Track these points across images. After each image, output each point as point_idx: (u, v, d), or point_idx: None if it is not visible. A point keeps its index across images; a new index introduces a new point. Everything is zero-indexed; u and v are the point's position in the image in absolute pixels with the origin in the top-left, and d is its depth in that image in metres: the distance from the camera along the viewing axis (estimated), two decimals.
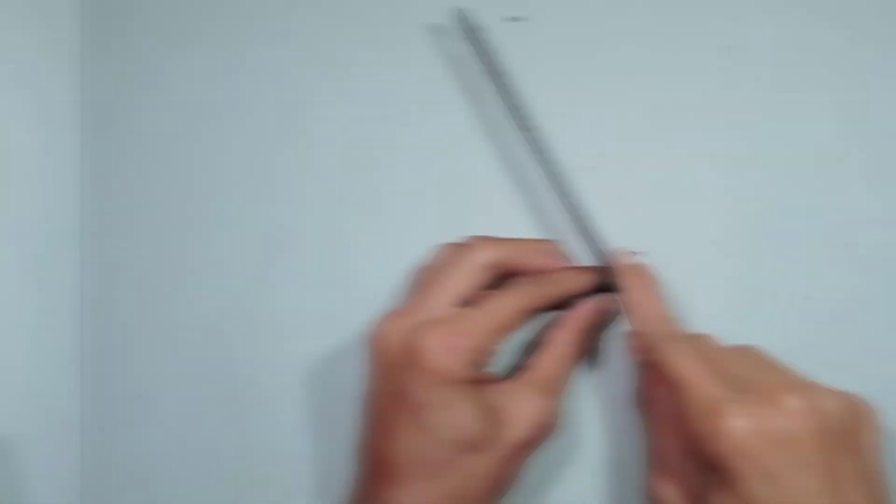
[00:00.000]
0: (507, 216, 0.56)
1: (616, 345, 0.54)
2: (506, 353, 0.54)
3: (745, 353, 0.48)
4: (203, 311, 0.57)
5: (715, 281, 0.55)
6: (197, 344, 0.57)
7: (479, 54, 0.51)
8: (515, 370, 0.52)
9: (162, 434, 0.56)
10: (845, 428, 0.43)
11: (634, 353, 0.50)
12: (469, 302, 0.48)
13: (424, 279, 0.49)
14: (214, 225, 0.58)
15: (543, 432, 0.47)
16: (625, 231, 0.55)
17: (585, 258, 0.55)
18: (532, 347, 0.51)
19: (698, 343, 0.47)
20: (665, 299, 0.49)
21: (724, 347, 0.48)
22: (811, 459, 0.41)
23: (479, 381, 0.47)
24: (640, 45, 0.58)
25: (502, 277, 0.50)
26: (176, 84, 0.60)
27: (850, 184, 0.55)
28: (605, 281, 0.52)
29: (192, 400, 0.56)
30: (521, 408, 0.47)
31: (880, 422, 0.45)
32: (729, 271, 0.55)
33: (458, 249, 0.50)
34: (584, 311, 0.51)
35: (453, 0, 0.56)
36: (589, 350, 0.51)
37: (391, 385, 0.46)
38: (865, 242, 0.55)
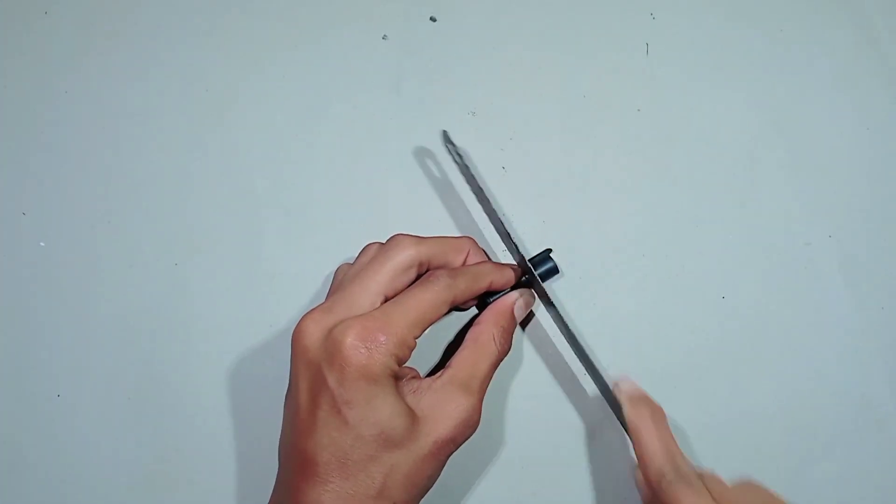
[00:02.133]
0: (424, 215, 0.57)
1: (534, 344, 0.55)
2: (429, 353, 0.55)
3: (748, 490, 0.48)
4: (120, 312, 0.56)
5: (632, 281, 0.56)
6: (114, 344, 0.56)
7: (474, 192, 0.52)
8: (437, 369, 0.52)
9: (79, 435, 0.55)
10: None
11: (641, 489, 0.51)
12: (391, 299, 0.48)
13: (347, 278, 0.49)
14: (131, 225, 0.57)
15: (465, 430, 0.47)
16: (540, 232, 0.56)
17: (504, 256, 0.56)
18: (454, 348, 0.51)
19: (706, 483, 0.47)
20: (670, 433, 0.49)
21: (729, 487, 0.48)
22: None
23: (400, 376, 0.47)
24: (552, 44, 0.59)
25: (424, 273, 0.50)
26: (91, 82, 0.59)
27: (767, 183, 0.57)
28: (521, 277, 0.53)
29: (110, 400, 0.55)
30: (443, 405, 0.46)
31: None
32: (646, 271, 0.56)
33: (380, 248, 0.50)
34: (503, 306, 0.51)
35: (372, 4, 0.56)
36: (511, 346, 0.51)
37: (312, 382, 0.45)
38: (783, 242, 0.56)
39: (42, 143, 0.58)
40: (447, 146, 0.53)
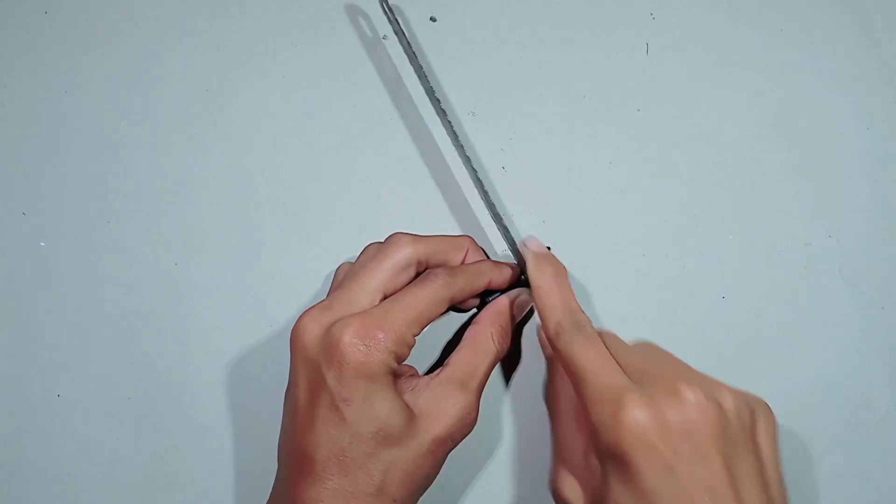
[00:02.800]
0: (424, 214, 0.57)
1: (532, 343, 0.55)
2: (428, 352, 0.55)
3: (645, 348, 0.50)
4: (120, 312, 0.56)
5: (632, 280, 0.56)
6: (114, 344, 0.56)
7: (407, 55, 0.52)
8: (436, 367, 0.52)
9: (79, 435, 0.55)
10: (743, 424, 0.44)
11: (542, 344, 0.51)
12: (389, 297, 0.48)
13: (346, 277, 0.49)
14: (131, 225, 0.57)
15: (463, 427, 0.47)
16: (540, 232, 0.56)
17: (504, 254, 0.56)
18: (453, 346, 0.51)
19: (600, 335, 0.47)
20: (570, 289, 0.50)
21: (624, 342, 0.49)
22: (709, 453, 0.42)
23: (398, 374, 0.47)
24: (552, 44, 0.59)
25: (423, 271, 0.50)
26: (91, 82, 0.59)
27: (767, 183, 0.57)
28: (521, 275, 0.53)
29: (110, 400, 0.55)
30: (440, 403, 0.47)
31: (776, 421, 0.47)
32: (646, 270, 0.56)
33: (379, 247, 0.50)
34: (501, 305, 0.51)
35: (373, 4, 0.56)
36: (509, 344, 0.51)
37: (311, 380, 0.45)
38: (783, 242, 0.56)
39: (42, 143, 0.58)
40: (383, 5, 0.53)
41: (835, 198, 0.57)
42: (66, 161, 0.58)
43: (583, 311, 0.48)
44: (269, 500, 0.48)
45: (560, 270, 0.50)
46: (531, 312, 0.55)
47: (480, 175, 0.53)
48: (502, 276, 0.52)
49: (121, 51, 0.60)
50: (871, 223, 0.57)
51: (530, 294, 0.53)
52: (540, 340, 0.52)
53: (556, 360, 0.49)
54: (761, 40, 0.59)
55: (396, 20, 0.51)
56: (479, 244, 0.53)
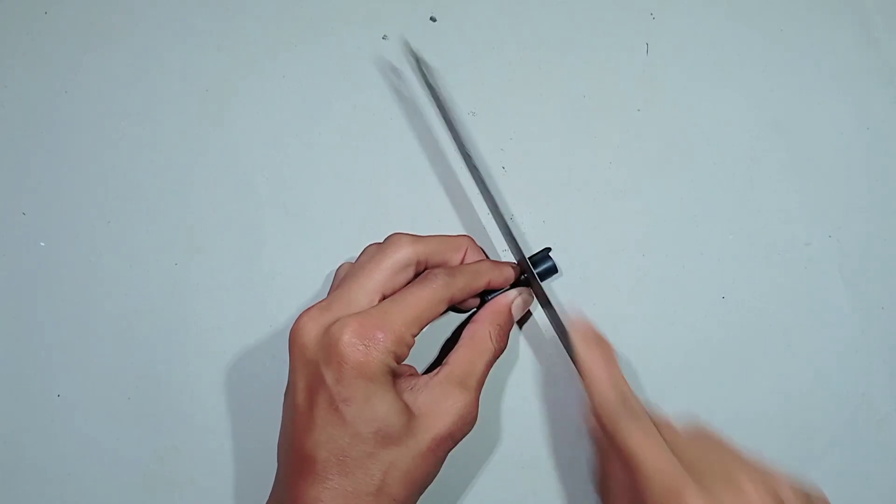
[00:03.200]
0: (423, 214, 0.57)
1: (531, 343, 0.55)
2: (427, 351, 0.55)
3: (701, 436, 0.48)
4: (120, 312, 0.56)
5: (632, 280, 0.56)
6: (114, 344, 0.56)
7: (440, 109, 0.52)
8: (435, 366, 0.52)
9: (79, 435, 0.55)
10: None
11: (591, 427, 0.50)
12: (389, 297, 0.48)
13: (346, 277, 0.49)
14: (131, 225, 0.57)
15: (462, 426, 0.47)
16: (540, 232, 0.56)
17: (504, 255, 0.56)
18: (452, 345, 0.51)
19: (656, 423, 0.46)
20: (620, 371, 0.49)
21: (680, 429, 0.48)
22: None
23: (398, 374, 0.47)
24: (552, 44, 0.59)
25: (422, 271, 0.50)
26: (91, 82, 0.59)
27: (767, 183, 0.57)
28: (521, 275, 0.53)
29: (110, 400, 0.55)
30: (440, 402, 0.46)
31: None
32: (646, 271, 0.56)
33: (378, 248, 0.50)
34: (500, 304, 0.51)
35: (372, 4, 0.56)
36: (507, 343, 0.51)
37: (310, 380, 0.45)
38: (784, 242, 0.56)
39: (42, 143, 0.59)
40: (411, 60, 0.53)
41: (835, 198, 0.57)
42: (66, 161, 0.58)
43: (635, 396, 0.48)
44: (268, 500, 0.48)
45: (609, 352, 0.49)
46: (530, 313, 0.55)
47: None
48: (502, 276, 0.52)
49: (121, 51, 0.60)
50: (871, 223, 0.57)
51: (530, 294, 0.53)
52: (588, 423, 0.52)
53: (607, 445, 0.47)
54: (761, 40, 0.59)
55: (429, 80, 0.52)
56: (479, 244, 0.53)
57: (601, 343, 0.49)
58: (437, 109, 0.53)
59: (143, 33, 0.60)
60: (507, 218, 0.54)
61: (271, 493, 0.48)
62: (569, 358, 0.51)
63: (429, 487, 0.47)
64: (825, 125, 0.58)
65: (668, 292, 0.56)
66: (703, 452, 0.46)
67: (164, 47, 0.60)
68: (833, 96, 0.58)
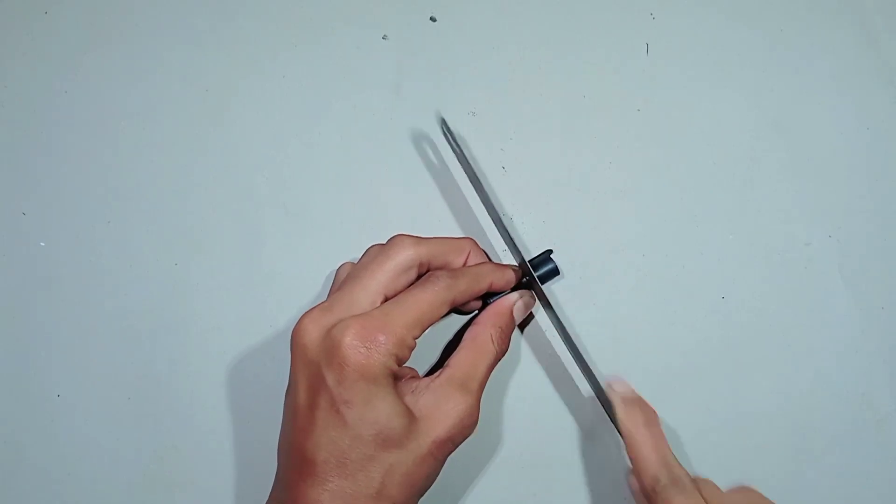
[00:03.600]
0: (425, 215, 0.57)
1: (533, 345, 0.55)
2: (429, 353, 0.55)
3: (745, 498, 0.48)
4: (120, 312, 0.56)
5: (632, 281, 0.56)
6: (114, 344, 0.56)
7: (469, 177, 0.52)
8: (436, 368, 0.52)
9: (79, 435, 0.55)
10: None
11: (634, 492, 0.50)
12: (391, 299, 0.48)
13: (348, 278, 0.49)
14: (131, 225, 0.57)
15: (463, 430, 0.47)
16: (540, 232, 0.56)
17: (506, 256, 0.56)
18: (453, 347, 0.51)
19: (700, 489, 0.46)
20: (664, 437, 0.49)
21: (724, 493, 0.48)
22: None
23: (399, 376, 0.47)
24: (552, 44, 0.59)
25: (424, 273, 0.50)
26: (91, 82, 0.59)
27: (767, 183, 0.57)
28: (523, 277, 0.53)
29: (110, 400, 0.55)
30: (441, 405, 0.46)
31: None
32: (646, 271, 0.56)
33: (381, 249, 0.50)
34: (502, 307, 0.51)
35: (372, 4, 0.56)
36: (509, 346, 0.51)
37: (311, 381, 0.45)
38: (783, 242, 0.56)
39: (42, 143, 0.58)
40: (445, 134, 0.53)
41: (835, 198, 0.57)
42: (66, 161, 0.58)
43: (678, 463, 0.47)
44: (268, 500, 0.48)
45: (652, 417, 0.49)
46: (532, 315, 0.55)
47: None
48: (504, 279, 0.51)
49: (121, 51, 0.60)
50: (871, 223, 0.57)
51: (532, 296, 0.53)
52: (630, 487, 0.51)
53: None
54: (761, 40, 0.59)
55: (459, 148, 0.52)
56: (481, 246, 0.53)
57: (644, 407, 0.50)
58: (467, 174, 0.53)
59: (143, 33, 0.60)
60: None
61: (271, 494, 0.48)
62: (610, 421, 0.51)
63: (430, 489, 0.47)
64: (825, 125, 0.58)
65: (669, 292, 0.56)
66: None
67: (164, 47, 0.60)
68: (833, 96, 0.58)
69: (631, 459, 0.48)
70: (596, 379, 0.50)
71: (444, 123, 0.53)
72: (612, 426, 0.50)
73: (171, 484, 0.55)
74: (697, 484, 0.47)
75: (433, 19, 0.59)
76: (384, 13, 0.59)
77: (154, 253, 0.57)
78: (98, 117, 0.59)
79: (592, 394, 0.52)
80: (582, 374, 0.51)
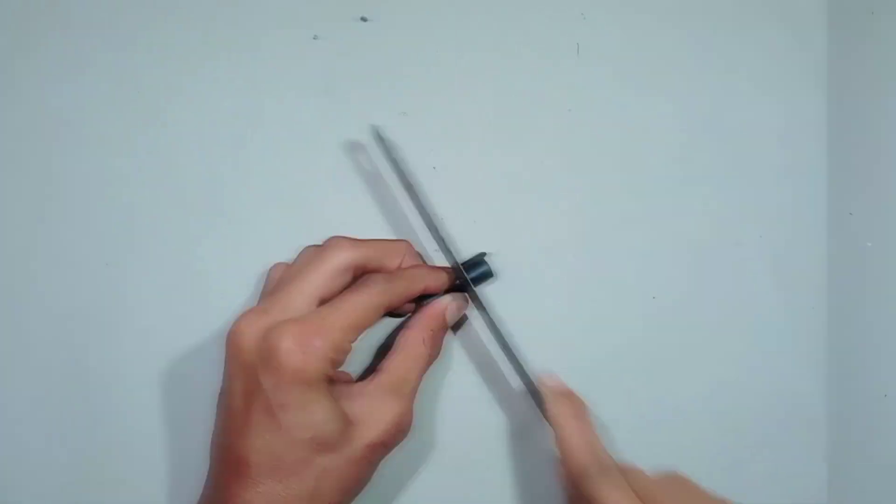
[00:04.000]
0: (358, 216, 0.57)
1: (466, 348, 0.55)
2: (360, 355, 0.54)
3: (671, 482, 0.49)
4: (54, 312, 0.55)
5: (563, 281, 0.56)
6: (48, 344, 0.55)
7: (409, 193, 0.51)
8: (369, 372, 0.52)
9: (7, 438, 0.54)
10: None
11: (563, 483, 0.50)
12: (327, 302, 0.48)
13: (283, 279, 0.49)
14: (66, 224, 0.56)
15: (397, 434, 0.48)
16: (470, 232, 0.56)
17: (435, 255, 0.56)
18: (385, 349, 0.52)
19: (629, 477, 0.47)
20: (592, 428, 0.49)
21: (653, 479, 0.48)
22: None
23: (334, 380, 0.47)
24: (483, 44, 0.59)
25: (360, 276, 0.50)
26: (20, 83, 0.58)
27: (697, 184, 0.58)
28: (457, 280, 0.53)
29: (43, 401, 0.54)
30: (374, 409, 0.47)
31: None
32: (577, 271, 0.57)
33: (316, 251, 0.50)
34: (434, 310, 0.51)
35: (303, 5, 0.56)
36: (441, 349, 0.52)
37: (247, 384, 0.45)
38: (714, 242, 0.57)
39: None
40: (378, 142, 0.53)
41: (765, 198, 0.58)
42: (1, 160, 0.57)
43: (606, 451, 0.48)
44: (199, 501, 0.48)
45: (580, 409, 0.49)
46: (466, 317, 0.55)
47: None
48: (438, 281, 0.52)
49: (50, 51, 0.59)
50: (801, 224, 0.58)
51: (465, 298, 0.53)
52: (559, 477, 0.52)
53: (578, 498, 0.47)
54: (692, 41, 0.60)
55: (392, 157, 0.52)
56: (415, 247, 0.53)
57: (572, 399, 0.50)
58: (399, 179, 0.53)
59: (73, 33, 0.59)
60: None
61: (202, 495, 0.48)
62: (539, 413, 0.51)
63: (361, 493, 0.48)
64: (755, 126, 0.59)
65: (600, 292, 0.56)
66: (675, 500, 0.47)
67: (94, 48, 0.59)
68: (762, 97, 0.59)
69: (560, 450, 0.48)
70: (528, 376, 0.50)
71: (376, 131, 0.53)
72: (545, 422, 0.50)
73: (102, 485, 0.54)
74: (625, 471, 0.47)
75: (364, 19, 0.59)
76: (315, 13, 0.59)
77: (85, 253, 0.56)
78: (28, 118, 0.58)
79: (525, 392, 0.52)
80: (515, 373, 0.51)
